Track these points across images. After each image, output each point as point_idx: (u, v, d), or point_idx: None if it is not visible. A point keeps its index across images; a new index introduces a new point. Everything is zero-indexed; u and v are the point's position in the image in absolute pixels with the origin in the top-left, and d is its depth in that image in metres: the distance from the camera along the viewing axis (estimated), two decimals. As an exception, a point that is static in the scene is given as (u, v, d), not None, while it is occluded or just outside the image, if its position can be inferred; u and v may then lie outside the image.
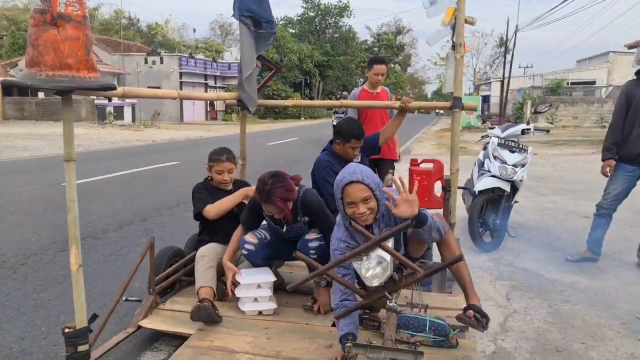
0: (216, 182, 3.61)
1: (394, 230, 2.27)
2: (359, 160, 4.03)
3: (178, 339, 2.94)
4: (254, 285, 3.06)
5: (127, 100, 30.17)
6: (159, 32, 57.99)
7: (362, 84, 5.29)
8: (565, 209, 7.13)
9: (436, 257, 3.44)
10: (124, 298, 3.02)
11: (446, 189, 3.66)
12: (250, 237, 3.22)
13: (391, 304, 2.28)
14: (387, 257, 2.25)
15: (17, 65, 30.52)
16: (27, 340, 3.06)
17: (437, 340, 2.65)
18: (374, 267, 2.24)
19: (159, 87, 30.51)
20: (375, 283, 2.26)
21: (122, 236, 5.39)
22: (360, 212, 2.45)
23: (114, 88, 2.28)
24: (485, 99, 46.88)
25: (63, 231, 5.45)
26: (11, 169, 10.42)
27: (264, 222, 3.40)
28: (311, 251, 3.08)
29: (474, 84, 57.52)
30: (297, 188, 3.16)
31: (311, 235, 3.16)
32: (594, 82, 40.34)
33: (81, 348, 2.40)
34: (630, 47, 19.16)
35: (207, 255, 3.26)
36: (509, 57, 34.50)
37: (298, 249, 3.09)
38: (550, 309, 3.64)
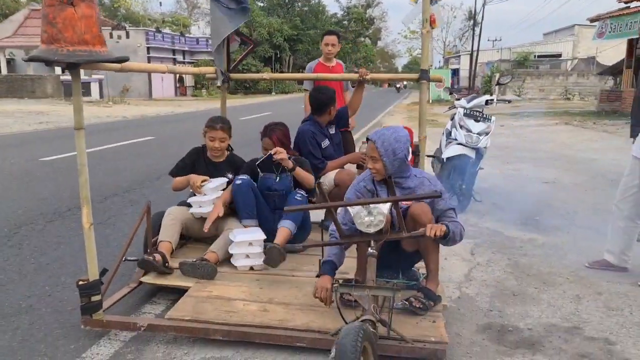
0: (208, 147, 3.86)
1: (417, 196, 2.71)
2: (334, 131, 4.36)
3: (174, 294, 3.24)
4: (246, 243, 3.36)
5: (94, 76, 29.55)
6: (122, 5, 56.41)
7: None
8: (527, 176, 7.61)
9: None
10: (123, 259, 3.27)
11: (415, 153, 4.00)
12: (242, 175, 3.67)
13: (372, 251, 2.62)
14: (385, 211, 2.58)
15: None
16: (33, 298, 3.31)
17: (409, 284, 3.01)
18: (367, 215, 2.57)
19: (126, 62, 29.85)
20: (365, 229, 2.59)
21: (108, 207, 5.60)
22: (369, 166, 2.84)
23: (126, 60, 2.50)
24: (455, 73, 47.50)
25: (49, 203, 5.63)
26: (-17, 146, 10.36)
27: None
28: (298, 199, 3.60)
29: (443, 57, 58.06)
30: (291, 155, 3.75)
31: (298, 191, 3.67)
32: (560, 55, 41.28)
33: (94, 298, 2.67)
34: (592, 20, 19.75)
35: (172, 213, 3.64)
36: (477, 30, 34.95)
37: (288, 202, 3.58)
38: (510, 262, 4.05)
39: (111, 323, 2.73)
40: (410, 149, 4.51)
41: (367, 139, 2.88)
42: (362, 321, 2.32)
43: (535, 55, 40.73)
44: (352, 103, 4.51)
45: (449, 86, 30.44)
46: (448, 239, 2.67)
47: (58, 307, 3.17)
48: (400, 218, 2.62)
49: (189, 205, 3.74)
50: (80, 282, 2.66)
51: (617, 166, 8.35)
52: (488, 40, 51.88)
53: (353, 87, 5.24)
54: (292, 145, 3.97)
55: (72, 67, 2.40)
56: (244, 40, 4.60)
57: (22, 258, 4.01)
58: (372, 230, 2.58)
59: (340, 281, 2.62)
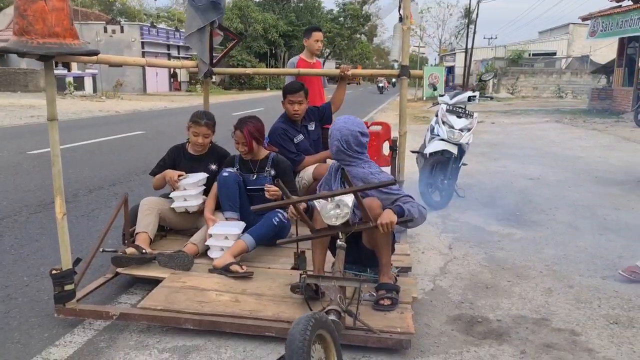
0: (191, 142, 3.87)
1: (374, 185, 2.75)
2: (313, 128, 4.40)
3: (150, 285, 3.27)
4: (222, 236, 3.40)
5: (88, 70, 29.46)
6: (117, 0, 56.21)
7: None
8: (513, 172, 7.66)
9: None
10: (101, 249, 3.30)
11: (393, 148, 4.04)
12: (228, 169, 3.70)
13: (341, 242, 2.67)
14: (349, 203, 2.63)
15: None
16: (11, 288, 3.35)
17: (376, 277, 3.04)
18: (334, 208, 2.62)
19: (120, 57, 29.77)
20: (333, 222, 2.64)
21: (93, 199, 5.63)
22: None
23: (97, 53, 2.54)
24: (450, 70, 47.56)
25: (33, 196, 5.66)
26: (-27, 139, 10.35)
27: None
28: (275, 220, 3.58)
29: (439, 54, 58.11)
30: (269, 152, 3.80)
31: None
32: (554, 53, 41.41)
33: (67, 287, 2.71)
34: (584, 19, 19.83)
35: (146, 204, 3.65)
36: (472, 28, 34.98)
37: (264, 221, 3.56)
38: (486, 256, 4.10)
39: (84, 312, 2.77)
40: (388, 144, 4.59)
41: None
42: (327, 311, 2.37)
43: (530, 54, 40.85)
44: (335, 99, 4.54)
45: (444, 83, 30.49)
46: (406, 218, 2.70)
47: (35, 297, 3.21)
48: (363, 209, 2.65)
49: (168, 197, 3.77)
50: (54, 271, 2.69)
51: (603, 163, 8.45)
52: (484, 38, 52.11)
53: (327, 87, 5.31)
54: (266, 140, 3.98)
55: (45, 59, 2.44)
56: (227, 34, 4.64)
57: (2, 249, 4.04)
58: (338, 222, 2.63)
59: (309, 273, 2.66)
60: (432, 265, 3.88)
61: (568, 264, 3.92)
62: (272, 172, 3.73)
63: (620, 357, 2.62)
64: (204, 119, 3.81)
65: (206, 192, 3.81)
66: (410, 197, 2.92)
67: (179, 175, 3.69)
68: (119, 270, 3.26)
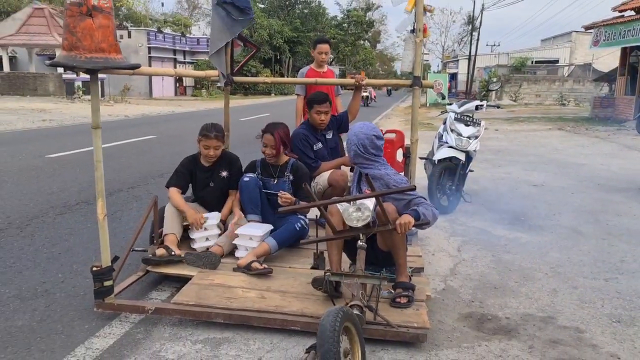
0: (203, 155, 4.00)
1: (396, 190, 2.98)
2: (331, 136, 4.61)
3: (178, 282, 3.49)
4: (247, 237, 3.62)
5: (96, 75, 29.72)
6: (124, 5, 56.59)
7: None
8: (517, 179, 7.85)
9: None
10: (132, 249, 3.50)
11: (406, 155, 4.25)
12: (249, 174, 3.93)
13: (361, 243, 2.87)
14: (371, 206, 2.84)
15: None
16: (48, 283, 3.56)
17: (392, 277, 3.24)
18: (355, 211, 2.83)
19: (127, 62, 29.93)
20: (355, 224, 2.85)
21: (114, 202, 5.83)
22: None
23: (139, 67, 2.75)
24: (453, 77, 47.86)
25: (58, 197, 5.87)
26: (-11, 142, 10.58)
27: None
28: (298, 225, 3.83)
29: (442, 61, 58.41)
30: (289, 158, 4.01)
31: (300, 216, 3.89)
32: (557, 61, 41.63)
33: (106, 283, 2.92)
34: (587, 28, 20.04)
35: (171, 207, 3.81)
36: (475, 35, 35.24)
37: (286, 225, 3.80)
38: (493, 258, 4.30)
39: (122, 306, 2.98)
40: (402, 151, 4.80)
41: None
42: (350, 306, 2.57)
43: (532, 61, 41.09)
44: (351, 108, 4.73)
45: (447, 90, 30.83)
46: (421, 221, 2.92)
47: (71, 292, 3.42)
48: (383, 211, 2.85)
49: (190, 200, 3.98)
50: (94, 268, 2.90)
51: (605, 171, 8.64)
52: (487, 45, 52.38)
53: (342, 93, 5.52)
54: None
55: (91, 72, 2.66)
56: (247, 45, 4.84)
57: (35, 248, 4.26)
58: (360, 224, 2.84)
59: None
60: (443, 267, 4.07)
61: (572, 267, 4.11)
62: (291, 178, 3.95)
63: (622, 353, 2.81)
64: (213, 131, 3.88)
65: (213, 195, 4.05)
66: (423, 197, 3.14)
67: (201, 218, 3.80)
68: (150, 268, 3.47)
